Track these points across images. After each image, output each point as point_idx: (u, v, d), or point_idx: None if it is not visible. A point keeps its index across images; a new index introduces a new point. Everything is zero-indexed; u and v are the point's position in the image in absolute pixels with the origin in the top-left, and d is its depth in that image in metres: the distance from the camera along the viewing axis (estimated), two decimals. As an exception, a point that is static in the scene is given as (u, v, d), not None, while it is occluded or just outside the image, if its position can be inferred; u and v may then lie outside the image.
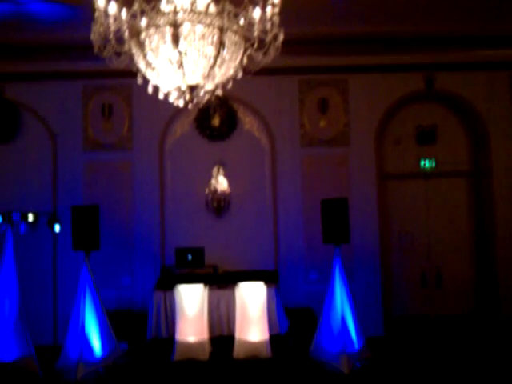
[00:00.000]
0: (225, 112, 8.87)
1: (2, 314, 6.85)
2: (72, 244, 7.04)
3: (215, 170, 8.84)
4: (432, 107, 9.31)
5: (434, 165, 9.26)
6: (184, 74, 3.97)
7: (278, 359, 7.03)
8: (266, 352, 7.05)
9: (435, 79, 9.03)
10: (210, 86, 4.17)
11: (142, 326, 7.72)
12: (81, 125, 8.88)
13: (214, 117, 8.86)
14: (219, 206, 8.84)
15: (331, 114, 8.99)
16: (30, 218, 7.22)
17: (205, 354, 7.08)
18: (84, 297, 6.90)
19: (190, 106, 4.23)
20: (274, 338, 7.32)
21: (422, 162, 9.26)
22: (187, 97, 4.12)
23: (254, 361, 6.97)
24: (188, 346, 7.04)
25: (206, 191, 8.83)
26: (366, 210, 8.86)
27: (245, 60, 4.27)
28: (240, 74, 4.27)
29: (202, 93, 4.15)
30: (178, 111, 8.77)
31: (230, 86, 4.31)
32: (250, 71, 4.31)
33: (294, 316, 8.03)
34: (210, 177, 8.82)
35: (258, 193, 8.97)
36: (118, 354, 7.16)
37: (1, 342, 6.76)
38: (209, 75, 4.03)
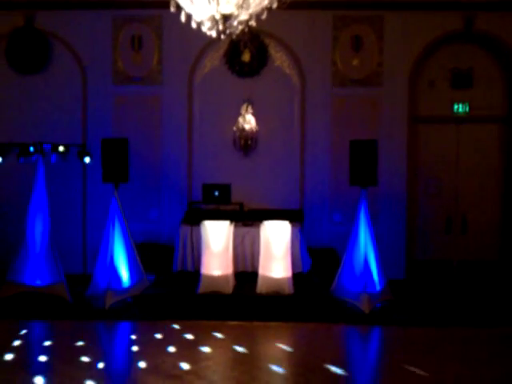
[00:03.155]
0: (255, 47, 8.67)
1: (34, 242, 7.08)
2: (102, 176, 7.13)
3: (244, 107, 8.74)
4: (469, 49, 8.98)
5: (467, 109, 9.01)
6: (218, 3, 3.86)
7: (299, 296, 7.17)
8: (288, 288, 7.19)
9: (475, 19, 8.65)
10: (244, 16, 4.06)
11: (168, 259, 7.92)
12: (111, 57, 8.81)
13: (245, 52, 8.68)
14: (246, 144, 8.80)
15: (365, 53, 8.73)
16: (61, 149, 7.29)
17: (229, 288, 7.25)
18: (113, 228, 7.06)
19: (222, 36, 4.14)
20: (296, 276, 7.45)
21: (456, 106, 9.01)
22: (220, 27, 4.02)
23: (276, 296, 7.12)
24: (213, 279, 7.21)
25: (234, 129, 8.78)
26: (395, 153, 8.74)
27: (280, -11, 4.12)
28: (275, 5, 4.14)
29: (235, 23, 4.04)
30: (207, 45, 8.62)
31: (264, 16, 4.18)
32: (286, 2, 4.17)
33: (317, 255, 8.14)
34: (238, 114, 8.74)
35: (286, 132, 8.89)
36: (146, 284, 7.39)
37: (33, 268, 7.03)
38: (243, 4, 3.91)
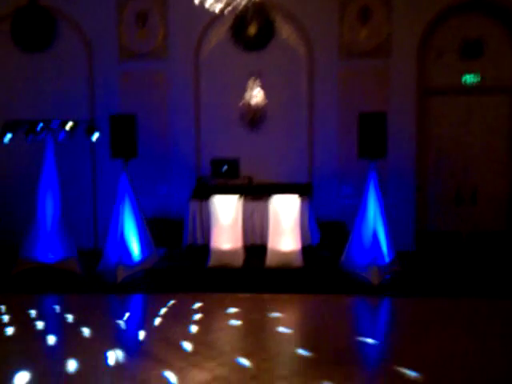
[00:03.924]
0: (262, 20, 8.57)
1: (45, 218, 7.16)
2: (110, 152, 7.17)
3: (250, 81, 8.71)
4: (479, 19, 8.81)
5: (477, 80, 8.90)
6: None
7: (308, 268, 7.22)
8: (298, 261, 7.24)
9: (485, -13, 8.50)
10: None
11: (178, 234, 8.01)
12: (116, 33, 8.78)
13: (251, 25, 8.59)
14: (254, 118, 8.78)
15: (373, 24, 8.61)
16: (69, 125, 7.30)
17: (238, 262, 7.32)
18: (123, 203, 7.12)
19: (226, 11, 4.10)
20: (305, 249, 7.50)
21: (465, 77, 8.90)
22: (224, 1, 3.98)
23: (285, 269, 7.18)
24: (222, 253, 7.28)
25: (241, 103, 8.76)
26: (404, 126, 8.68)
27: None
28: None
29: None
30: (213, 19, 8.55)
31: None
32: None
33: (325, 228, 8.17)
34: (245, 88, 8.71)
35: (294, 105, 8.85)
36: (156, 258, 7.48)
37: (45, 244, 7.13)
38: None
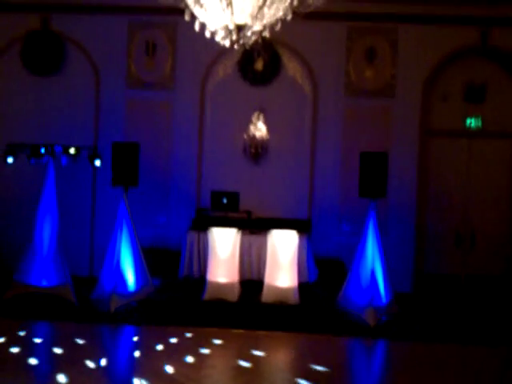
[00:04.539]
0: (269, 56, 8.69)
1: (42, 243, 7.10)
2: (111, 179, 7.15)
3: (255, 115, 8.77)
4: (484, 65, 8.92)
5: (479, 125, 8.96)
6: (232, 13, 3.87)
7: (305, 306, 7.13)
8: (294, 299, 7.15)
9: (490, 34, 8.61)
10: (257, 27, 4.06)
11: (174, 264, 7.93)
12: (124, 61, 8.86)
13: (258, 60, 8.70)
14: (257, 152, 8.81)
15: (378, 64, 8.72)
16: (72, 151, 7.31)
17: (234, 296, 7.23)
18: (121, 232, 7.07)
19: (236, 46, 4.15)
20: (302, 286, 7.41)
21: (468, 121, 8.96)
22: (234, 37, 4.03)
23: (281, 306, 7.08)
24: (218, 286, 7.20)
25: (245, 136, 8.79)
26: (406, 166, 8.71)
27: (295, 1, 4.12)
28: (289, 16, 4.14)
29: (249, 33, 4.05)
30: (221, 53, 8.64)
31: (278, 28, 4.19)
32: (300, 13, 4.18)
33: (323, 266, 8.11)
34: (249, 122, 8.76)
35: (297, 141, 8.88)
36: (151, 289, 7.37)
37: (40, 269, 7.05)
38: (257, 15, 3.91)
